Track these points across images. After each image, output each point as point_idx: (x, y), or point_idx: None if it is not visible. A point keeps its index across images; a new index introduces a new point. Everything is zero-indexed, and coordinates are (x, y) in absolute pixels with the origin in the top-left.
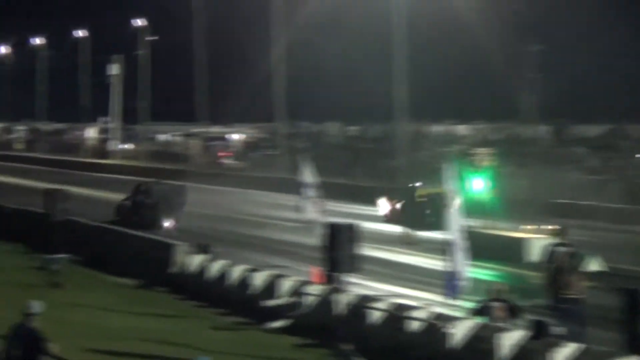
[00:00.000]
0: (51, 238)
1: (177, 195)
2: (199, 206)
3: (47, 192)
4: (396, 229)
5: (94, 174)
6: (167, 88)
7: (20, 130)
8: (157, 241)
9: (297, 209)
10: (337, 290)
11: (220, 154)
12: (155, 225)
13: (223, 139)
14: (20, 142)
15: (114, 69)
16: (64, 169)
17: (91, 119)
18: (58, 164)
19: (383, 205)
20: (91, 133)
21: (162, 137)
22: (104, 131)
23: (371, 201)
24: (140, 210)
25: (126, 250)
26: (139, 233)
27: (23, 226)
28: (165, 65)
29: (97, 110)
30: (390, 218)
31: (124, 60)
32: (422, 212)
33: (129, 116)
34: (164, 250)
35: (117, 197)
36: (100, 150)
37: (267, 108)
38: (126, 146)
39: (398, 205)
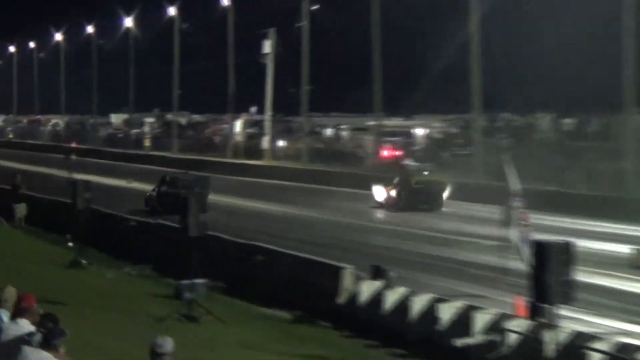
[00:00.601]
0: (186, 258)
1: (200, 185)
2: (370, 220)
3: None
4: (623, 248)
5: (243, 179)
6: (330, 71)
7: (149, 123)
8: (318, 263)
9: (500, 223)
10: (546, 326)
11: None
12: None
13: (406, 134)
14: (148, 138)
15: (268, 47)
16: (204, 172)
17: (238, 109)
18: (196, 166)
19: (379, 192)
20: (239, 127)
21: (328, 132)
22: (253, 124)
23: (591, 213)
24: (164, 200)
25: (279, 273)
26: (295, 253)
27: (151, 243)
28: (326, 43)
29: (243, 99)
30: (386, 204)
31: (276, 37)
32: (417, 198)
33: (283, 105)
34: (328, 275)
35: (275, 208)
36: (251, 148)
37: (458, 96)
38: (281, 143)
39: (393, 192)
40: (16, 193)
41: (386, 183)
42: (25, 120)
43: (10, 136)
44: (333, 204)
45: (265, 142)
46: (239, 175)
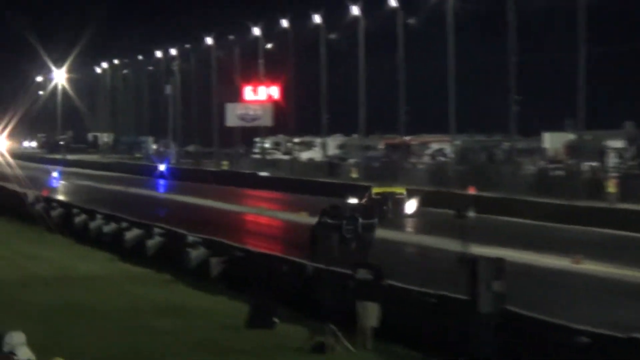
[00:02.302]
0: None
1: (363, 214)
2: None
3: None
4: None
5: None
6: None
7: (615, 150)
8: None
9: None
10: None
11: None
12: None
13: None
14: (612, 181)
15: None
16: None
17: None
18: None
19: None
20: None
21: None
22: None
23: None
24: (323, 231)
25: None
26: None
27: None
28: None
29: None
30: None
31: None
32: (381, 208)
33: None
34: None
35: None
36: None
37: None
38: None
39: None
40: (373, 286)
41: (360, 196)
42: (380, 144)
43: (354, 175)
44: None
45: None
46: None
